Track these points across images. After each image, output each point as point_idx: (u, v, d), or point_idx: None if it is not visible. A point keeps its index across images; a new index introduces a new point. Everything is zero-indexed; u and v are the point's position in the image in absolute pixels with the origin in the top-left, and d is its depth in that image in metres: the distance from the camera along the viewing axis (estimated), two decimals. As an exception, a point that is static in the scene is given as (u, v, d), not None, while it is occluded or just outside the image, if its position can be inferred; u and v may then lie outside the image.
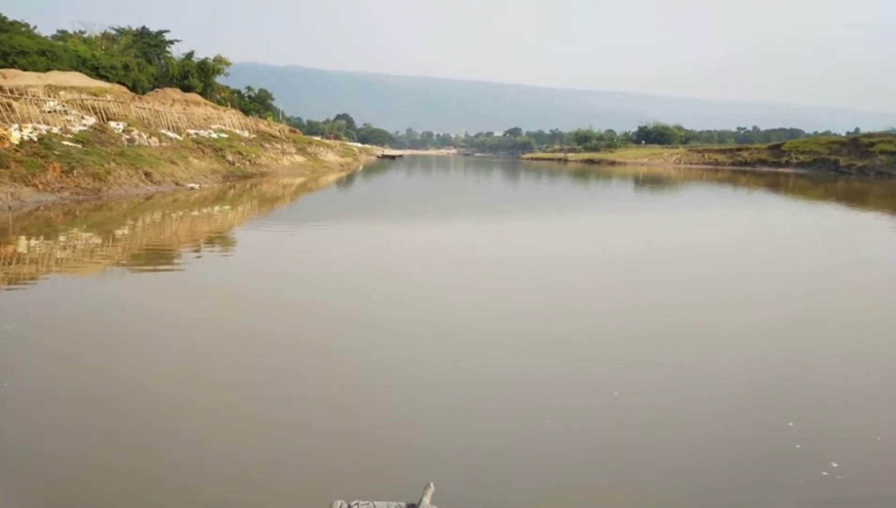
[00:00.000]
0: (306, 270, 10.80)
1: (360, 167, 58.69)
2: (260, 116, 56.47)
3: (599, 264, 12.03)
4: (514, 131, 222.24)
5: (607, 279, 10.48)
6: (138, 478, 3.97)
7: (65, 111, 23.24)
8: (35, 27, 58.88)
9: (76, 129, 21.91)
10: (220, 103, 50.13)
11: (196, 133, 32.17)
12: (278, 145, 41.27)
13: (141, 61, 58.35)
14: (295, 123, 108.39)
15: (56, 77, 29.05)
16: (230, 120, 39.31)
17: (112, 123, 24.83)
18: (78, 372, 5.75)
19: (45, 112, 22.28)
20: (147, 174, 21.31)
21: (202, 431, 4.65)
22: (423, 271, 10.69)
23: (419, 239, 15.30)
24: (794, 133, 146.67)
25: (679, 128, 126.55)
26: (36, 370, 5.78)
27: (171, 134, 28.66)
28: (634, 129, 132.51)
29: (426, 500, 3.00)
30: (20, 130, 18.72)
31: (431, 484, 3.12)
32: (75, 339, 6.73)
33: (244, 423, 4.76)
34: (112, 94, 28.50)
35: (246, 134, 38.83)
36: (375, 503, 2.97)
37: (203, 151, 29.32)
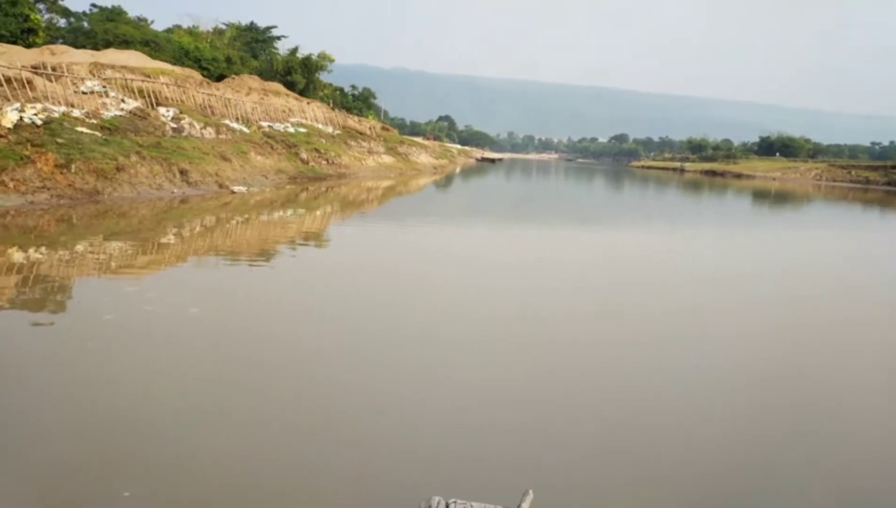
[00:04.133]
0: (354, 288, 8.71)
1: (457, 170, 53.83)
2: (361, 115, 53.61)
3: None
4: (621, 138, 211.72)
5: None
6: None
7: (104, 92, 19.43)
8: (153, 21, 58.96)
9: (109, 113, 17.92)
10: (322, 100, 47.37)
11: (270, 126, 28.05)
12: (365, 144, 36.74)
13: (245, 55, 56.90)
14: (398, 124, 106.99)
15: (111, 56, 25.69)
16: (313, 113, 35.19)
17: (161, 109, 20.84)
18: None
19: (78, 93, 18.52)
20: (183, 172, 16.88)
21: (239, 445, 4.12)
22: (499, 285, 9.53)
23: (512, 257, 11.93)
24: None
25: (806, 140, 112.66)
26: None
27: (235, 125, 24.52)
28: (754, 139, 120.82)
29: (524, 506, 2.89)
30: (22, 110, 14.71)
31: (531, 491, 2.97)
32: None
33: (287, 431, 4.36)
34: (173, 76, 24.74)
35: (329, 130, 34.54)
36: (473, 503, 2.84)
37: (272, 147, 25.00)
